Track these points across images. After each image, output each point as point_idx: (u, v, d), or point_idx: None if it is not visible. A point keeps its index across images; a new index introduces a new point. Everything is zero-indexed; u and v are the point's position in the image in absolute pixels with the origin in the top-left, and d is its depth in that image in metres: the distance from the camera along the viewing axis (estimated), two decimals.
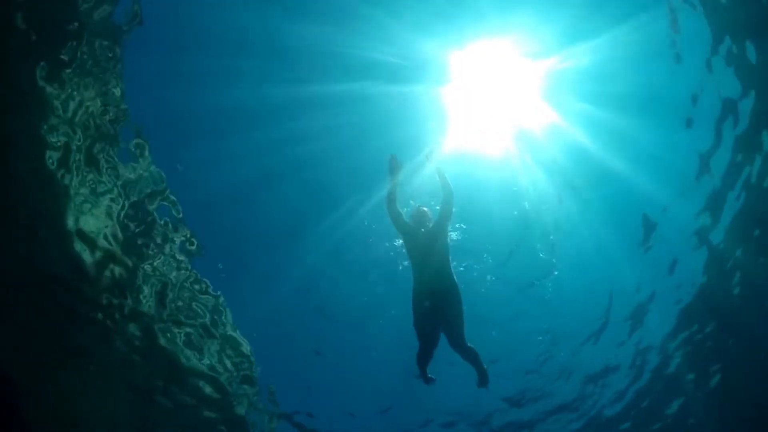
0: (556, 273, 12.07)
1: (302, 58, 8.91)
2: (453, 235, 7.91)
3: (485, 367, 6.45)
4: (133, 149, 8.62)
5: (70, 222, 8.36)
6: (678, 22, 8.36)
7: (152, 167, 8.88)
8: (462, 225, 10.07)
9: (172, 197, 9.34)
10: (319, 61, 8.92)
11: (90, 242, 8.70)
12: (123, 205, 8.89)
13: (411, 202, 8.09)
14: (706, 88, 8.93)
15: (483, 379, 6.46)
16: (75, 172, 8.05)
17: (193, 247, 10.02)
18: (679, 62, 8.82)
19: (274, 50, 8.89)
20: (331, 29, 8.53)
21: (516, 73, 9.25)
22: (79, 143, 7.91)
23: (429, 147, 7.27)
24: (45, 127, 7.43)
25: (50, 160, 7.72)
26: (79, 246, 8.62)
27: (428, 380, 6.69)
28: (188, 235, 9.84)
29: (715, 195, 10.26)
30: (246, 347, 11.85)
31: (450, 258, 6.56)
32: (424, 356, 6.52)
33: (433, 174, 6.56)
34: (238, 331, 11.53)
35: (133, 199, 8.95)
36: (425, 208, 6.82)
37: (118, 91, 8.06)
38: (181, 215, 9.56)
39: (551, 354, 13.64)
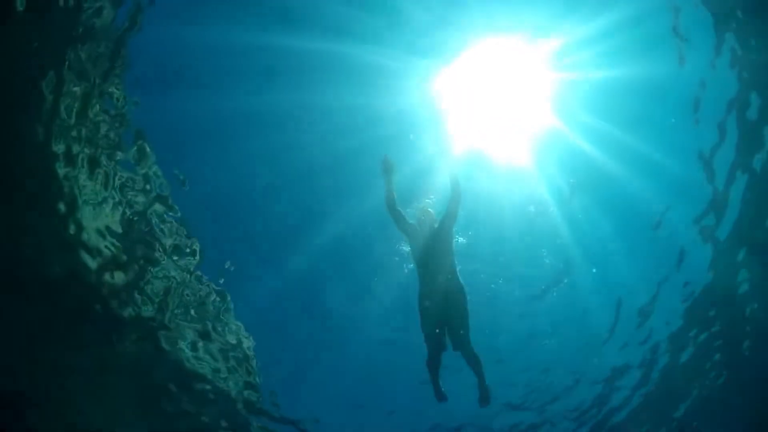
0: (565, 281, 12.04)
1: (305, 62, 8.90)
2: (461, 239, 7.85)
3: (487, 383, 6.37)
4: (135, 154, 8.60)
5: (73, 227, 8.33)
6: (680, 22, 8.35)
7: (155, 168, 8.86)
8: (469, 232, 10.05)
9: (175, 201, 9.30)
10: (322, 63, 8.90)
11: (93, 247, 8.67)
12: (125, 211, 8.87)
13: (414, 203, 8.05)
14: (710, 86, 8.90)
15: (484, 397, 6.39)
16: (78, 177, 8.03)
17: (196, 252, 9.97)
18: (682, 63, 8.79)
19: (276, 55, 8.89)
20: (335, 33, 8.52)
21: (521, 76, 9.22)
22: (81, 148, 7.89)
23: (433, 138, 7.18)
24: (47, 132, 7.41)
25: (53, 166, 7.70)
26: (82, 251, 8.59)
27: (441, 396, 6.56)
28: (191, 240, 9.81)
29: (719, 194, 10.22)
30: (250, 352, 11.78)
31: (455, 259, 6.50)
32: (433, 361, 6.44)
33: (444, 172, 6.51)
34: (241, 335, 11.47)
35: (136, 203, 8.93)
36: (430, 209, 6.75)
37: (120, 96, 8.05)
38: (184, 219, 9.53)
39: (559, 357, 13.56)
